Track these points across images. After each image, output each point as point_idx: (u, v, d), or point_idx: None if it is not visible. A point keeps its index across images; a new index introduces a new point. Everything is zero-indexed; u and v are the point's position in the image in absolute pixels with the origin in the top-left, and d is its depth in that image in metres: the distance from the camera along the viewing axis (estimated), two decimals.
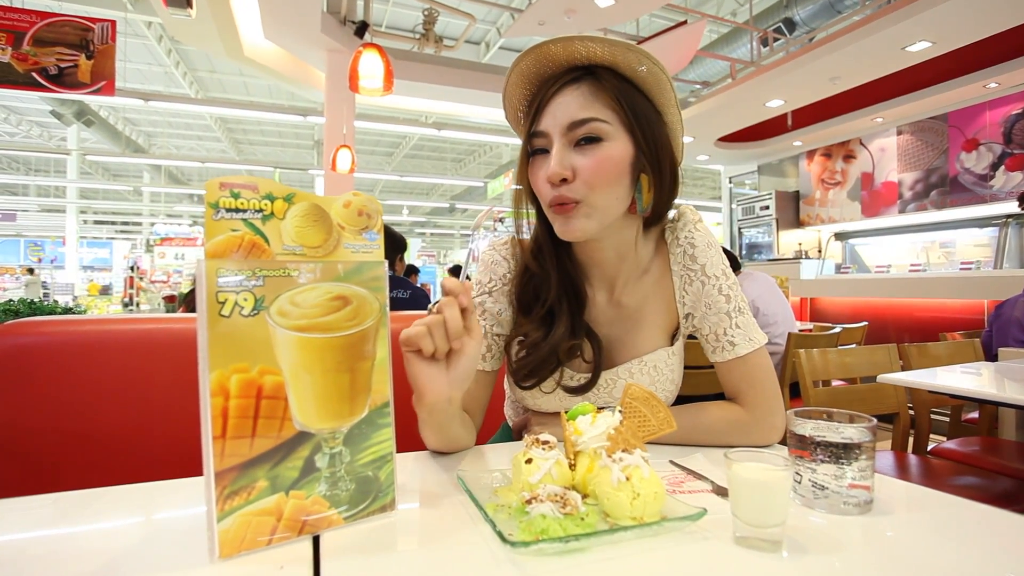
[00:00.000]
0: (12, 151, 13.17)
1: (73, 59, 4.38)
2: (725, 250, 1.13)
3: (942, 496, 0.62)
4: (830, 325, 3.25)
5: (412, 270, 6.21)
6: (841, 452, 0.56)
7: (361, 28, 4.81)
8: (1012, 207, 5.10)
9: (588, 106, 0.74)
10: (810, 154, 7.13)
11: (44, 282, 12.20)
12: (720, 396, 0.86)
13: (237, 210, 0.49)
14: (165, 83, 10.00)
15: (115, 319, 0.97)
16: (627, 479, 0.52)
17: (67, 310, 6.37)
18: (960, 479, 1.72)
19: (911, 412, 1.96)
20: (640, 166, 0.77)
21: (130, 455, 0.91)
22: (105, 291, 12.39)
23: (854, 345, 3.02)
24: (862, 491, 0.56)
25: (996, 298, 3.74)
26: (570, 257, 0.86)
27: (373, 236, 0.57)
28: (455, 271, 7.80)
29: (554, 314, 0.83)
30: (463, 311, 0.61)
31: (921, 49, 4.38)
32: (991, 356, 2.42)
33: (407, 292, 2.84)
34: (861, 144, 6.48)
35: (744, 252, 7.85)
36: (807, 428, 0.59)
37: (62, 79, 4.37)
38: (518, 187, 0.85)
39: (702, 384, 2.09)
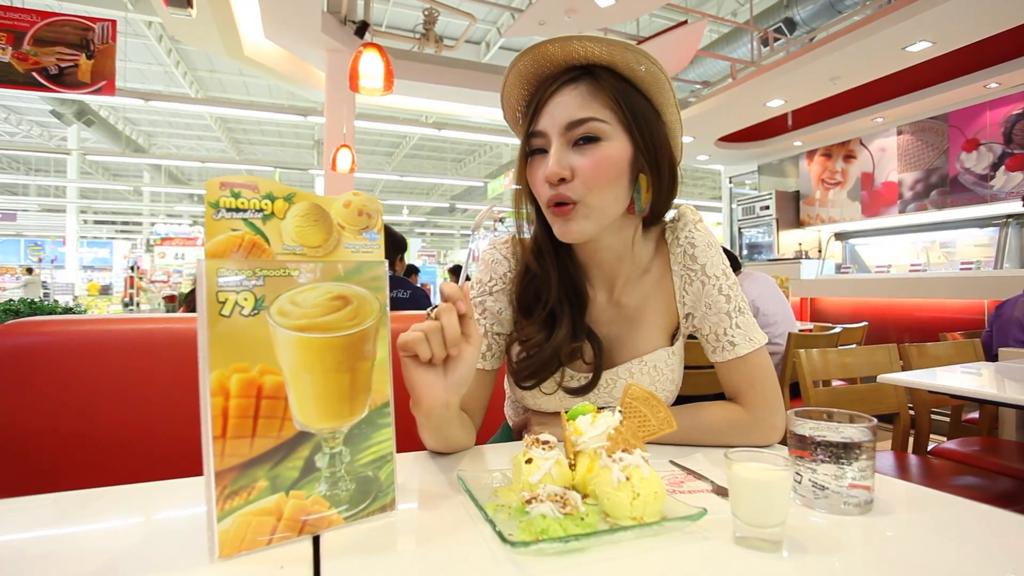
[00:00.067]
0: (12, 151, 13.17)
1: (73, 59, 4.38)
2: (725, 250, 1.13)
3: (942, 496, 0.62)
4: (830, 325, 3.25)
5: (412, 270, 6.22)
6: (841, 452, 0.56)
7: (361, 28, 4.81)
8: (1012, 207, 5.10)
9: (586, 106, 0.74)
10: (810, 154, 7.13)
11: (44, 282, 12.20)
12: (720, 396, 0.86)
13: (237, 210, 0.49)
14: (165, 83, 10.00)
15: (115, 319, 0.98)
16: (627, 479, 0.52)
17: (67, 310, 6.37)
18: (960, 479, 1.72)
19: (911, 412, 1.96)
20: (639, 166, 0.77)
21: (130, 455, 0.91)
22: (105, 291, 12.39)
23: (854, 345, 3.02)
24: (862, 491, 0.56)
25: (996, 298, 3.74)
26: (570, 257, 0.86)
27: (373, 236, 0.57)
28: (456, 271, 7.81)
29: (555, 316, 0.83)
30: (461, 317, 0.61)
31: (921, 49, 4.38)
32: (991, 356, 2.42)
33: (407, 292, 2.84)
34: (861, 144, 6.48)
35: (744, 252, 7.85)
36: (807, 428, 0.59)
37: (62, 79, 4.37)
38: (518, 187, 0.85)
39: (702, 384, 2.09)
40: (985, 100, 5.26)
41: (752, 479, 0.49)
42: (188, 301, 4.79)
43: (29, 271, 11.81)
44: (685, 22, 4.67)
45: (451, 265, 8.68)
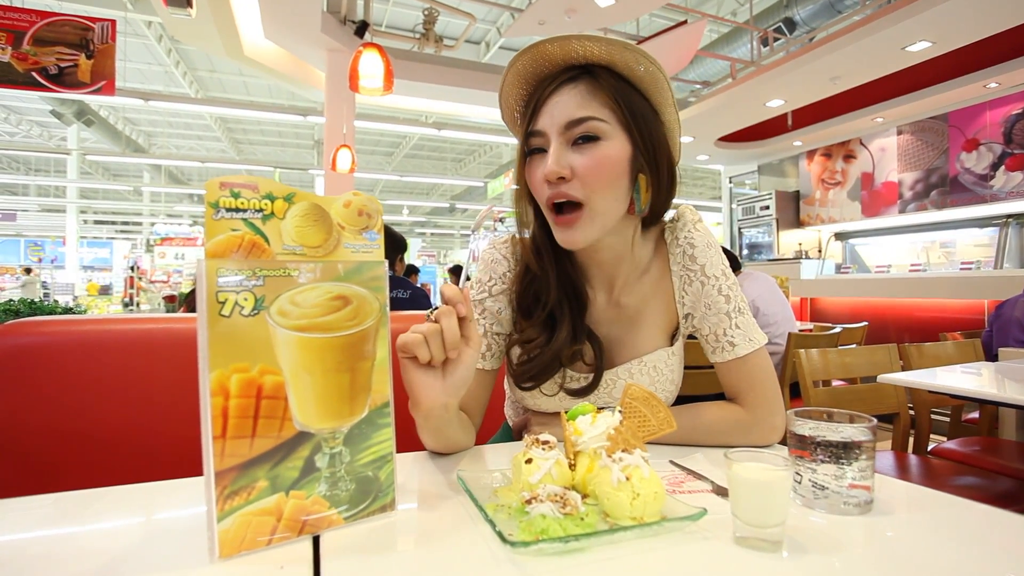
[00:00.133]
0: (12, 151, 13.17)
1: (73, 59, 4.38)
2: (725, 250, 1.13)
3: (942, 496, 0.62)
4: (830, 325, 3.25)
5: (412, 270, 6.22)
6: (841, 452, 0.56)
7: (361, 28, 4.81)
8: (1012, 207, 5.10)
9: (585, 105, 0.74)
10: (810, 154, 7.13)
11: (44, 282, 12.19)
12: (720, 396, 0.86)
13: (237, 210, 0.49)
14: (165, 83, 10.00)
15: (115, 319, 0.98)
16: (627, 479, 0.52)
17: (67, 310, 6.37)
18: (960, 479, 1.72)
19: (911, 412, 1.96)
20: (638, 165, 0.77)
21: (130, 455, 0.91)
22: (105, 291, 12.38)
23: (854, 345, 3.02)
24: (862, 491, 0.56)
25: (996, 298, 3.74)
26: (569, 258, 0.86)
27: (373, 236, 0.57)
28: (456, 271, 7.81)
29: (555, 317, 0.83)
30: (461, 320, 0.61)
31: (921, 49, 4.38)
32: (991, 356, 2.42)
33: (407, 292, 2.84)
34: (861, 144, 6.48)
35: (744, 252, 7.85)
36: (807, 428, 0.59)
37: (62, 79, 4.37)
38: (517, 187, 0.85)
39: (702, 384, 2.09)
40: (985, 100, 5.26)
41: (752, 479, 0.49)
42: (188, 301, 4.79)
43: (28, 271, 11.79)
44: (685, 22, 4.67)
45: (451, 265, 8.68)
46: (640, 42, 4.64)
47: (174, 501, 0.61)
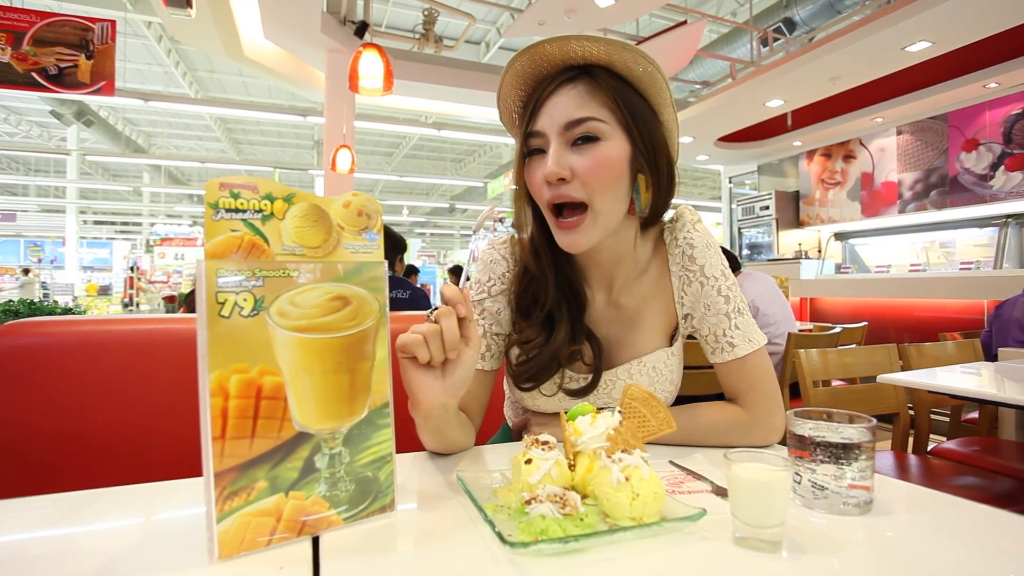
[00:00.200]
0: (12, 151, 13.17)
1: (73, 59, 4.38)
2: (725, 250, 1.13)
3: (942, 496, 0.62)
4: (830, 325, 3.25)
5: (412, 270, 6.22)
6: (841, 452, 0.56)
7: (361, 28, 4.81)
8: (1012, 207, 5.11)
9: (585, 105, 0.74)
10: (810, 154, 7.13)
11: (44, 282, 12.18)
12: (720, 396, 0.86)
13: (237, 210, 0.49)
14: (165, 83, 10.00)
15: (115, 319, 0.97)
16: (626, 479, 0.52)
17: (67, 310, 6.37)
18: (960, 479, 1.72)
19: (911, 412, 1.96)
20: (637, 166, 0.77)
21: (130, 456, 0.91)
22: (104, 291, 12.38)
23: (854, 345, 3.02)
24: (862, 491, 0.56)
25: (996, 298, 3.74)
26: (568, 259, 0.86)
27: (373, 236, 0.57)
28: (455, 271, 7.80)
29: (554, 318, 0.83)
30: (461, 321, 0.61)
31: (921, 49, 4.38)
32: (991, 356, 2.42)
33: (407, 292, 2.84)
34: (861, 144, 6.48)
35: (744, 252, 7.85)
36: (807, 428, 0.59)
37: (62, 79, 4.37)
38: (516, 188, 0.85)
39: (702, 384, 2.09)
40: (984, 100, 5.27)
41: (751, 479, 0.49)
42: (188, 302, 4.79)
43: (26, 272, 11.78)
44: (684, 22, 4.67)
45: (451, 265, 8.67)
46: (640, 42, 4.65)
47: (173, 502, 0.61)
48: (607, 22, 4.57)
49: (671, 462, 0.72)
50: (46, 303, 6.36)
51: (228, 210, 0.49)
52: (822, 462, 0.57)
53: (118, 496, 0.61)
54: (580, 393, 0.84)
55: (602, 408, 0.64)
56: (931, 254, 6.23)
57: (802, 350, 1.88)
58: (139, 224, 18.18)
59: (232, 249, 0.48)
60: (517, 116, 0.85)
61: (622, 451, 0.55)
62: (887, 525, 0.54)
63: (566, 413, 0.64)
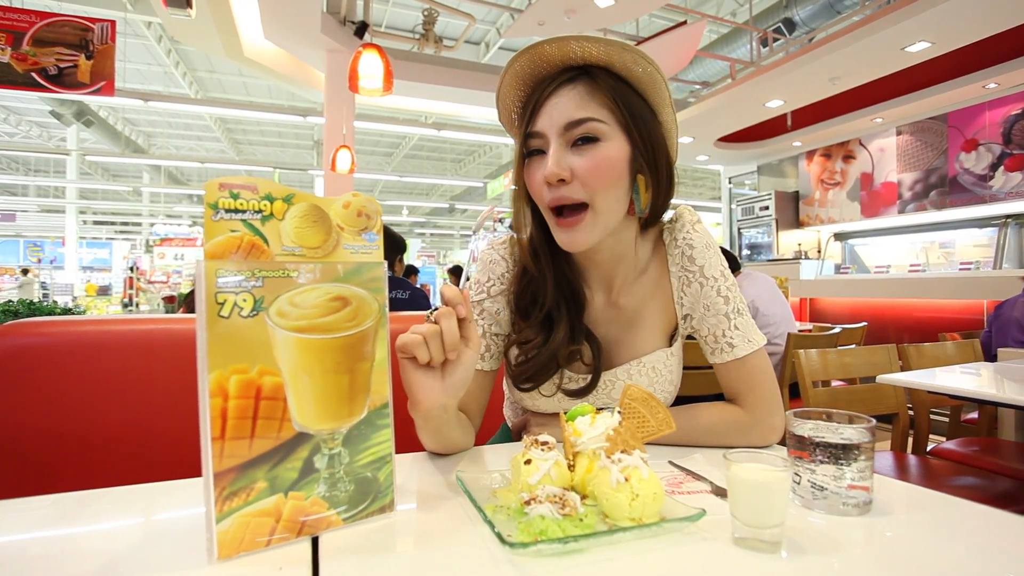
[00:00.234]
0: (12, 151, 13.16)
1: (73, 59, 4.38)
2: (724, 250, 1.13)
3: (942, 497, 0.62)
4: (829, 325, 3.25)
5: (411, 270, 6.22)
6: (840, 453, 0.56)
7: (361, 28, 4.81)
8: (1011, 207, 5.11)
9: (585, 106, 0.74)
10: (810, 154, 7.13)
11: (43, 283, 12.17)
12: (719, 396, 0.86)
13: (236, 211, 0.49)
14: (165, 83, 10.00)
15: (114, 320, 0.97)
16: (626, 480, 0.52)
17: (66, 310, 6.36)
18: (960, 479, 1.72)
19: (910, 412, 1.96)
20: (637, 166, 0.77)
21: (129, 456, 0.91)
22: (104, 291, 12.37)
23: (853, 345, 3.02)
24: (861, 492, 0.56)
25: (995, 298, 3.74)
26: (567, 259, 0.86)
27: (372, 237, 0.57)
28: (455, 271, 7.80)
29: (553, 319, 0.83)
30: (461, 321, 0.61)
31: (921, 49, 4.38)
32: (990, 356, 2.42)
33: (406, 293, 2.84)
34: (861, 144, 6.48)
35: (744, 252, 7.86)
36: (806, 429, 0.59)
37: (62, 79, 4.37)
38: (516, 188, 0.85)
39: (702, 385, 2.09)
40: (984, 100, 5.27)
41: (751, 480, 0.49)
42: (187, 302, 4.79)
43: (25, 272, 11.76)
44: (684, 22, 4.67)
45: (451, 265, 8.67)
46: (639, 43, 4.65)
47: (173, 502, 0.61)
48: (607, 22, 4.57)
49: (670, 462, 0.72)
50: (45, 303, 6.36)
51: (228, 210, 0.49)
52: (821, 462, 0.57)
53: (118, 496, 0.61)
54: (579, 393, 0.84)
55: (601, 408, 0.64)
56: (931, 254, 6.23)
57: (802, 350, 1.88)
58: (139, 224, 18.18)
59: (232, 249, 0.48)
60: (516, 116, 0.85)
61: (621, 451, 0.55)
62: (886, 525, 0.54)
63: (565, 413, 0.64)
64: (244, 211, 0.49)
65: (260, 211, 0.50)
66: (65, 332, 0.91)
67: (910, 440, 1.98)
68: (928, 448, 1.98)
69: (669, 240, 0.87)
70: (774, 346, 2.75)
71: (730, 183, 8.64)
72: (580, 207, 0.75)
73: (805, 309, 5.54)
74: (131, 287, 10.50)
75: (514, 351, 0.86)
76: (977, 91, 5.18)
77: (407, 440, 0.70)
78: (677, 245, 0.86)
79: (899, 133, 6.04)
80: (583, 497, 0.55)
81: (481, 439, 0.86)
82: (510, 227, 0.88)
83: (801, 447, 0.59)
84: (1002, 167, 5.13)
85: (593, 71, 0.76)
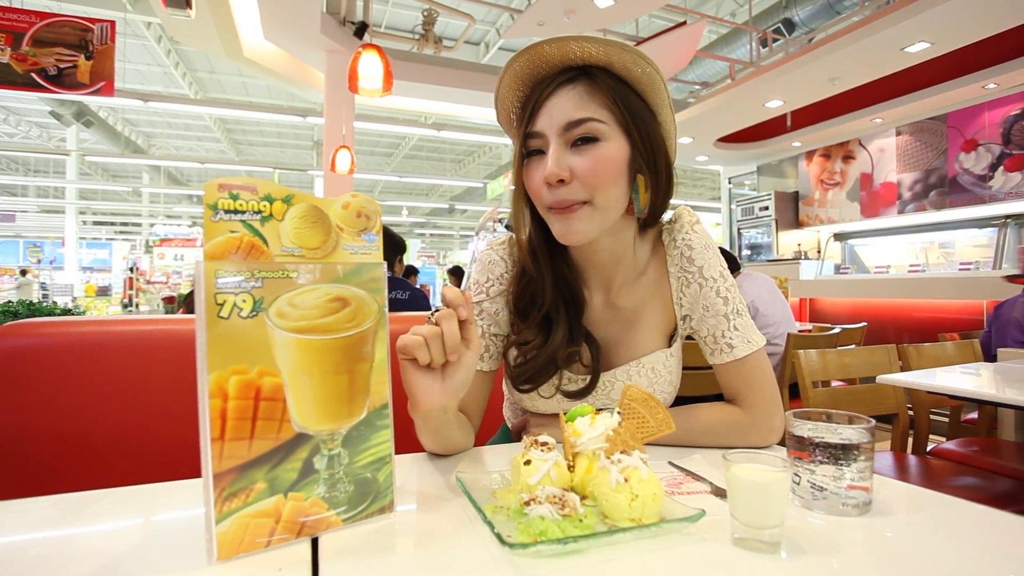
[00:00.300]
0: (11, 152, 13.16)
1: (72, 59, 4.38)
2: (724, 251, 1.14)
3: (941, 497, 0.62)
4: (829, 326, 3.25)
5: (411, 271, 6.21)
6: (840, 453, 0.56)
7: (360, 29, 4.81)
8: (1011, 208, 5.11)
9: (584, 106, 0.74)
10: (809, 155, 7.13)
11: (43, 283, 12.17)
12: (719, 397, 0.86)
13: (236, 211, 0.49)
14: (164, 83, 10.00)
15: (114, 320, 0.97)
16: (626, 480, 0.52)
17: (66, 311, 6.36)
18: (959, 480, 1.72)
19: (910, 413, 1.96)
20: (636, 166, 0.77)
21: (129, 457, 0.91)
22: (103, 292, 12.37)
23: (853, 346, 3.03)
24: (861, 492, 0.56)
25: (995, 299, 3.74)
26: (566, 260, 0.86)
27: (372, 237, 0.57)
28: (455, 271, 7.80)
29: (551, 320, 0.83)
30: (462, 323, 0.61)
31: (920, 50, 4.38)
32: (990, 357, 2.42)
33: (406, 293, 2.84)
34: (860, 145, 6.48)
35: (744, 253, 7.86)
36: (806, 429, 0.59)
37: (61, 79, 4.37)
38: (515, 188, 0.85)
39: (702, 385, 2.09)
40: (984, 101, 5.27)
41: (750, 480, 0.49)
42: (187, 302, 4.79)
43: (24, 273, 11.74)
44: (684, 23, 4.67)
45: (451, 266, 8.67)
46: (639, 43, 4.65)
47: (173, 503, 0.61)
48: (606, 23, 4.57)
49: (670, 463, 0.72)
50: (45, 304, 6.35)
51: (227, 211, 0.49)
52: (821, 463, 0.57)
53: (118, 497, 0.61)
54: (578, 395, 0.84)
55: (601, 409, 0.64)
56: (930, 255, 6.23)
57: (801, 351, 1.88)
58: (138, 225, 18.18)
59: (231, 250, 0.48)
60: (515, 117, 0.85)
61: (621, 452, 0.55)
62: (886, 526, 0.54)
63: (565, 414, 0.64)
64: (243, 212, 0.49)
65: (259, 212, 0.50)
66: (65, 333, 0.91)
67: (910, 440, 1.98)
68: (928, 448, 1.98)
69: (668, 241, 0.87)
70: (774, 346, 2.75)
71: (730, 183, 8.64)
72: (580, 204, 0.75)
73: (805, 309, 5.54)
74: (131, 288, 10.49)
75: (513, 352, 0.86)
76: (977, 91, 5.18)
77: (407, 441, 0.70)
78: (676, 246, 0.85)
79: (899, 133, 6.04)
80: (583, 498, 0.55)
81: (481, 440, 0.86)
82: (507, 227, 0.88)
83: (801, 447, 0.59)
84: (1002, 167, 5.13)
85: (592, 71, 0.76)
